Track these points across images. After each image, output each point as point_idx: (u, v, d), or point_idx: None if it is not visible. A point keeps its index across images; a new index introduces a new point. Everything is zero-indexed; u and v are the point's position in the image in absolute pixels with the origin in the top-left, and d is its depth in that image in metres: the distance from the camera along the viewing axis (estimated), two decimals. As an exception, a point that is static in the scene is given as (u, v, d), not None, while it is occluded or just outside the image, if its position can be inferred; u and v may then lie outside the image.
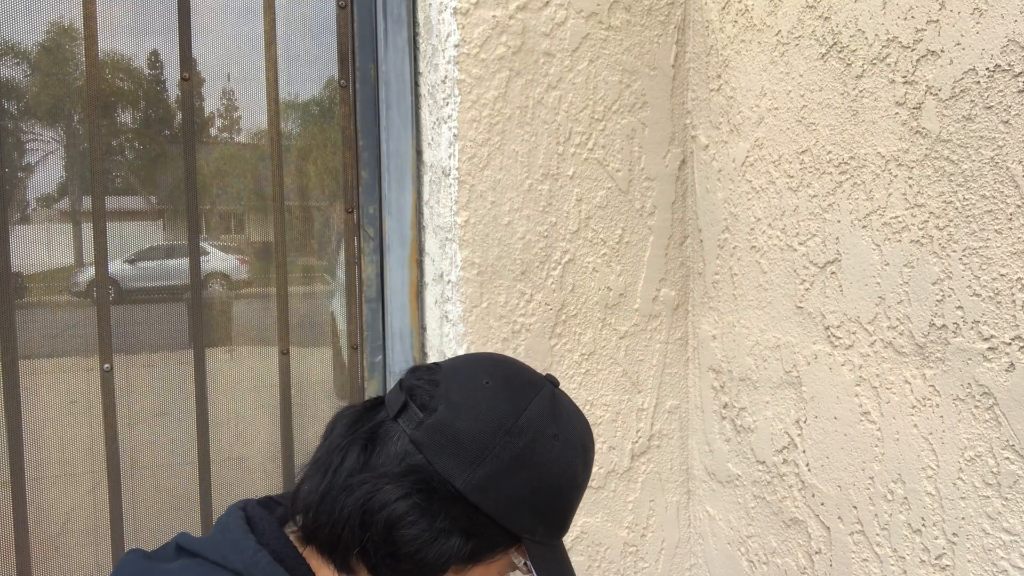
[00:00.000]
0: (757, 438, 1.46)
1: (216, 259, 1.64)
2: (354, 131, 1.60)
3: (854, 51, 1.19)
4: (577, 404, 1.56)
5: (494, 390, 0.81)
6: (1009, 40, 0.95)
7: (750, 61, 1.43)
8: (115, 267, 1.53)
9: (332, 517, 0.76)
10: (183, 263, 1.54)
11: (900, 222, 1.13)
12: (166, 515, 1.57)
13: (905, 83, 1.11)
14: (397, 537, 0.74)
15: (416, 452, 0.77)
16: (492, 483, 0.76)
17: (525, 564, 0.80)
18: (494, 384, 0.82)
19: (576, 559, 1.59)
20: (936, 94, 1.06)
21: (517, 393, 0.82)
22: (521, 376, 0.85)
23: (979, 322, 1.02)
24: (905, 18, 1.10)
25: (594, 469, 1.59)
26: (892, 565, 1.17)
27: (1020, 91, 0.95)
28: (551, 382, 0.87)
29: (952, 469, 1.07)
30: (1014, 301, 0.97)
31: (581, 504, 1.58)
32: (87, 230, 1.47)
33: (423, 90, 1.57)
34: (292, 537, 0.81)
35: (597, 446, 1.59)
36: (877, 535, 1.20)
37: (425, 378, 0.84)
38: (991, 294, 1.00)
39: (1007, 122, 0.96)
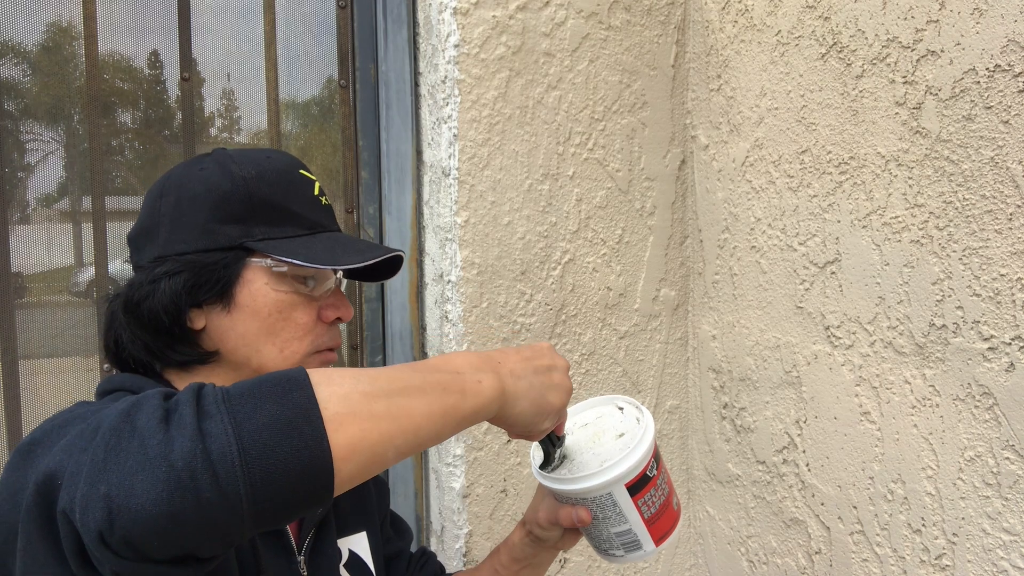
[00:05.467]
0: (757, 438, 1.46)
1: (216, 259, 1.64)
2: (354, 131, 1.60)
3: (854, 51, 1.19)
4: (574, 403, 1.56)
5: (151, 187, 0.92)
6: (1009, 40, 0.95)
7: (750, 61, 1.43)
8: (115, 267, 1.53)
9: (124, 354, 0.89)
10: (183, 263, 1.54)
11: (900, 222, 1.13)
12: (166, 515, 1.57)
13: (905, 83, 1.10)
14: (132, 311, 0.86)
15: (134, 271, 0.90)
16: (173, 232, 0.86)
17: (272, 259, 0.86)
18: (153, 185, 0.93)
19: (576, 559, 1.59)
20: (936, 94, 1.06)
21: (166, 173, 0.92)
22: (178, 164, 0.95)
23: (979, 322, 1.02)
24: (905, 18, 1.10)
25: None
26: (892, 565, 1.17)
27: (1020, 91, 0.95)
28: (216, 150, 0.95)
29: (952, 469, 1.07)
30: (1014, 301, 0.97)
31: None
32: (87, 230, 1.47)
33: (423, 90, 1.57)
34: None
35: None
36: (877, 535, 1.20)
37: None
38: (991, 294, 1.00)
39: (1007, 122, 0.96)
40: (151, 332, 0.86)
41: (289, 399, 0.59)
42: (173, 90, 1.54)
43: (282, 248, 0.86)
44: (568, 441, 0.97)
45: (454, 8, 1.42)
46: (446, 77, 1.45)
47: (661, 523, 0.93)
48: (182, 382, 0.89)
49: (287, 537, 0.91)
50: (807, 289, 1.32)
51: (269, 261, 0.86)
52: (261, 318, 0.87)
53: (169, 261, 0.85)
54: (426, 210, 1.59)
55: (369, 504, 1.08)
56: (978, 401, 1.03)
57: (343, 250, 0.89)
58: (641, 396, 1.63)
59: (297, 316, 0.88)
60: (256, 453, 0.56)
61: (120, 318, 0.88)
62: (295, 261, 0.84)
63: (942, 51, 1.05)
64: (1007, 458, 0.99)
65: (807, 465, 1.34)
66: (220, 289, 0.86)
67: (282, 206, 0.88)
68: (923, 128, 1.08)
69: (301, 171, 0.92)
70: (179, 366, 0.88)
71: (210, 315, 0.87)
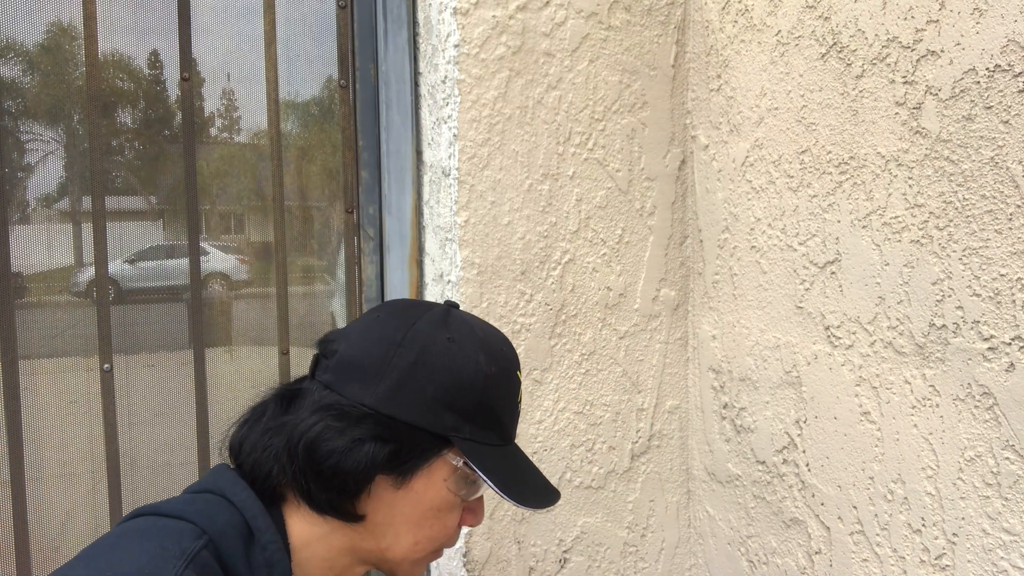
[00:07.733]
0: (757, 438, 1.46)
1: (216, 259, 1.65)
2: (354, 131, 1.60)
3: (854, 51, 1.19)
4: (577, 404, 1.56)
5: (385, 319, 0.89)
6: (1009, 40, 0.95)
7: (750, 61, 1.43)
8: (115, 267, 1.53)
9: (255, 458, 0.82)
10: (183, 263, 1.54)
11: (900, 222, 1.13)
12: (166, 515, 1.57)
13: (905, 83, 1.11)
14: (317, 456, 0.80)
15: (329, 392, 0.83)
16: (396, 391, 0.82)
17: (465, 464, 0.85)
18: (384, 314, 0.90)
19: (576, 559, 1.59)
20: (936, 94, 1.06)
21: (407, 315, 0.89)
22: (413, 304, 0.92)
23: (979, 322, 1.02)
24: (905, 18, 1.10)
25: (594, 469, 1.59)
26: (892, 565, 1.17)
27: (1020, 91, 0.95)
28: (450, 304, 0.93)
29: (952, 469, 1.07)
30: (1014, 301, 0.97)
31: (580, 504, 1.57)
32: (87, 230, 1.47)
33: (423, 90, 1.57)
34: None
35: (597, 446, 1.59)
36: (877, 535, 1.20)
37: (332, 335, 0.92)
38: (991, 294, 1.00)
39: (1007, 122, 0.96)
40: (320, 483, 0.80)
41: None
42: (173, 90, 1.54)
43: (481, 456, 0.84)
44: None
45: (454, 8, 1.42)
46: (446, 77, 1.45)
47: None
48: (296, 518, 0.83)
49: None
50: (807, 289, 1.32)
51: (462, 463, 0.85)
52: (421, 510, 0.85)
53: (380, 423, 0.81)
54: (426, 210, 1.59)
55: None
56: (978, 401, 1.03)
57: (528, 483, 0.89)
58: (641, 396, 1.63)
59: (447, 519, 0.88)
60: None
61: (277, 446, 0.81)
62: (490, 483, 0.83)
63: (942, 51, 1.05)
64: (1007, 458, 0.99)
65: (807, 465, 1.34)
66: (407, 468, 0.83)
67: (497, 413, 0.87)
68: (923, 128, 1.08)
69: (518, 372, 0.92)
70: (313, 505, 0.82)
71: (379, 483, 0.83)
